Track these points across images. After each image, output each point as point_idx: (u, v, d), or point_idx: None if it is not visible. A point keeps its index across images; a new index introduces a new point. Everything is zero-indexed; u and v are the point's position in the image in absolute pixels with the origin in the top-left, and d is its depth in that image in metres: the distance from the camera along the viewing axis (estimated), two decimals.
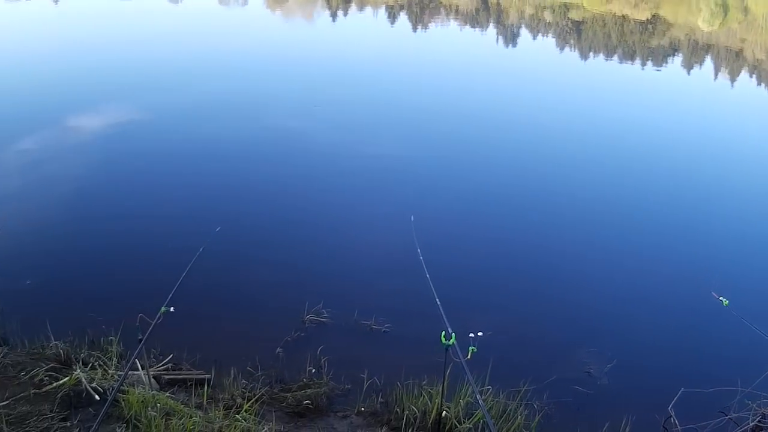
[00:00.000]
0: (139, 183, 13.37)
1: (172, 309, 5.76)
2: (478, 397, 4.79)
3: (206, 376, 7.50)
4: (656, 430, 7.08)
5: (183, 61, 24.32)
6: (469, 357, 4.86)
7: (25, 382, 6.29)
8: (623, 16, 37.62)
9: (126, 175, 13.65)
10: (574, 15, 39.79)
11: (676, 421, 6.93)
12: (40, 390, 6.17)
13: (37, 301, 9.03)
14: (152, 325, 5.56)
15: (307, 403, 7.03)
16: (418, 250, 7.05)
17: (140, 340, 5.48)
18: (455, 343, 5.00)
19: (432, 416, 6.48)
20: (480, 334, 5.02)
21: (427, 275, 6.25)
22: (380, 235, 11.08)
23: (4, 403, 5.82)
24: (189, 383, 7.25)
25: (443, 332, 5.06)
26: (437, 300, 5.71)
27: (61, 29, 29.79)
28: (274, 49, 27.43)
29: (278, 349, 8.30)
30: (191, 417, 5.81)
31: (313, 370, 7.82)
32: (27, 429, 5.46)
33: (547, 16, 40.69)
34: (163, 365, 7.63)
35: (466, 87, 21.55)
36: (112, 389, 5.43)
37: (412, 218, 8.26)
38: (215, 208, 11.94)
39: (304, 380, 7.59)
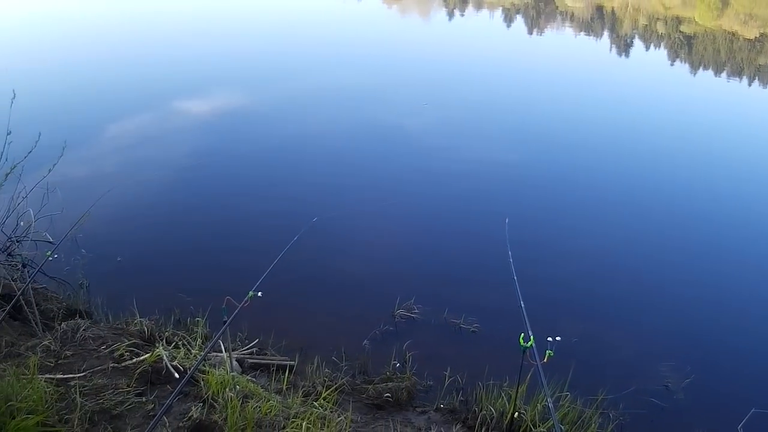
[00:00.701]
0: (241, 171, 13.46)
1: (260, 294, 5.62)
2: (549, 401, 4.53)
3: (290, 362, 7.37)
4: None
5: (295, 54, 24.63)
6: (545, 361, 4.64)
7: (104, 356, 6.18)
8: (732, 32, 36.66)
9: (229, 162, 13.79)
10: (685, 28, 38.94)
11: None
12: (119, 364, 6.05)
13: (126, 279, 9.13)
14: (238, 308, 5.44)
15: (388, 396, 6.84)
16: (509, 253, 6.79)
17: (225, 322, 5.34)
18: (534, 346, 4.78)
19: (507, 418, 6.19)
20: (558, 339, 4.79)
21: (515, 278, 5.99)
22: (475, 236, 10.87)
23: (81, 374, 5.72)
24: (272, 368, 7.16)
25: (522, 334, 4.84)
26: (521, 303, 5.47)
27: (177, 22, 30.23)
28: (388, 45, 27.44)
29: (365, 342, 8.16)
30: (268, 400, 5.61)
31: (398, 365, 7.64)
32: (101, 401, 5.33)
33: (660, 27, 39.92)
34: (247, 349, 7.55)
35: (576, 94, 21.12)
36: (191, 369, 5.24)
37: (507, 221, 7.98)
38: (314, 200, 11.86)
39: (387, 373, 7.43)
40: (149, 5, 35.45)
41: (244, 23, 30.35)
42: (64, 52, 23.68)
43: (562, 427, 6.15)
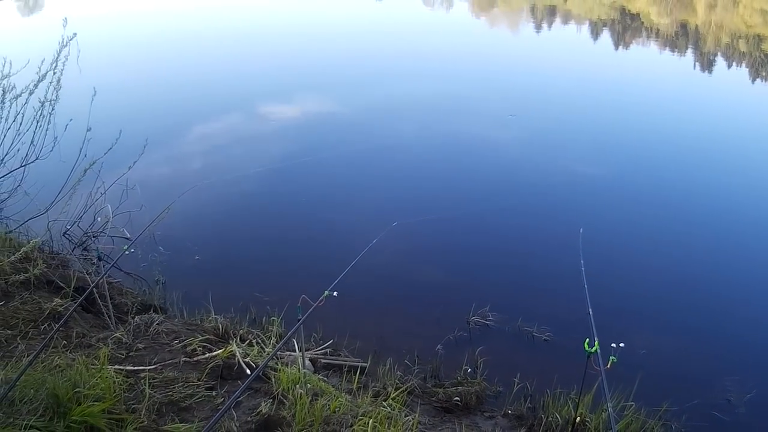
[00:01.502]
0: (324, 175, 13.41)
1: (335, 293, 5.52)
2: (609, 406, 4.43)
3: (361, 364, 7.31)
4: None
5: (385, 63, 24.60)
6: (608, 367, 4.53)
7: (176, 350, 6.19)
8: None
9: (311, 166, 13.75)
10: (766, 47, 38.28)
11: None
12: (191, 359, 6.05)
13: (203, 277, 9.16)
14: (313, 307, 5.36)
15: (456, 400, 6.77)
16: (582, 262, 6.65)
17: (299, 320, 5.32)
18: (598, 351, 4.68)
19: (575, 426, 6.07)
20: (622, 345, 4.70)
21: (585, 285, 5.86)
22: (552, 246, 10.66)
23: (151, 366, 5.72)
24: (344, 369, 7.12)
25: (587, 339, 4.77)
26: (590, 310, 5.35)
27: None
28: (477, 56, 27.28)
29: (438, 346, 8.04)
30: (337, 398, 5.54)
31: (469, 370, 7.54)
32: (170, 393, 5.31)
33: (741, 45, 39.26)
34: (321, 349, 7.50)
35: (661, 109, 20.75)
36: (262, 363, 5.18)
37: (581, 230, 7.83)
38: (394, 205, 11.81)
39: (458, 378, 7.35)
40: (239, 12, 35.83)
41: (337, 30, 30.54)
42: (152, 52, 24.20)
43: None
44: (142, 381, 5.32)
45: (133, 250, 7.12)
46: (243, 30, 29.75)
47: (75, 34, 8.63)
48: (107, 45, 24.05)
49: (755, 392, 7.43)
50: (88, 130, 8.51)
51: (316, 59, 24.37)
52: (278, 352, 6.66)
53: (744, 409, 7.31)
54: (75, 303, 6.10)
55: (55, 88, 8.64)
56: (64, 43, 8.64)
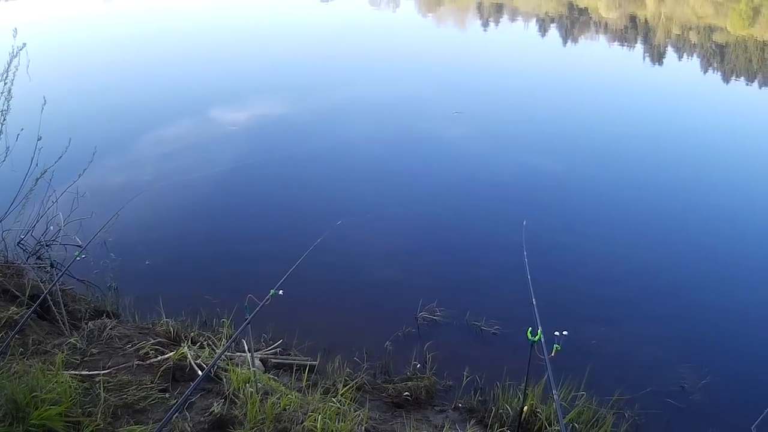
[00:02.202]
0: (267, 176, 13.62)
1: (281, 292, 5.65)
2: (554, 393, 4.54)
3: (311, 362, 7.46)
4: None
5: (329, 65, 24.77)
6: (553, 355, 4.65)
7: (129, 354, 6.35)
8: (764, 41, 36.38)
9: (254, 167, 13.92)
10: (717, 37, 38.65)
11: None
12: (144, 362, 6.21)
13: (154, 281, 9.29)
14: (259, 306, 5.53)
15: (407, 395, 6.92)
16: (525, 254, 6.86)
17: (246, 320, 5.42)
18: (542, 340, 4.79)
19: (523, 415, 6.26)
20: (565, 333, 4.73)
21: (528, 276, 6.04)
22: (499, 241, 10.83)
23: (106, 371, 5.87)
24: (294, 368, 7.27)
25: (530, 328, 4.88)
26: (533, 300, 5.52)
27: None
28: (423, 55, 27.45)
29: (387, 343, 8.21)
30: (287, 396, 5.73)
31: (418, 365, 7.69)
32: (124, 396, 5.48)
33: (692, 36, 39.73)
34: (271, 349, 7.65)
35: (606, 103, 21.08)
36: (211, 363, 5.38)
37: (524, 223, 8.05)
38: (338, 204, 11.96)
39: (408, 374, 7.52)
40: (186, 18, 35.71)
41: (278, 34, 30.52)
42: (95, 59, 24.05)
43: (565, 422, 6.30)
44: (97, 385, 5.48)
45: (84, 257, 7.23)
46: (190, 36, 29.67)
47: (24, 44, 8.72)
48: (56, 52, 23.98)
49: (710, 378, 7.65)
50: (39, 139, 8.62)
51: (262, 63, 24.53)
52: (230, 353, 6.87)
53: (699, 396, 7.53)
54: (29, 310, 6.24)
55: (6, 99, 8.72)
56: (15, 54, 8.72)
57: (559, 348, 4.64)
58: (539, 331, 4.79)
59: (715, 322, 9.12)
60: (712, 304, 9.49)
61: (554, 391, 4.52)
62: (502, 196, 12.82)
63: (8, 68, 8.71)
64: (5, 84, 8.69)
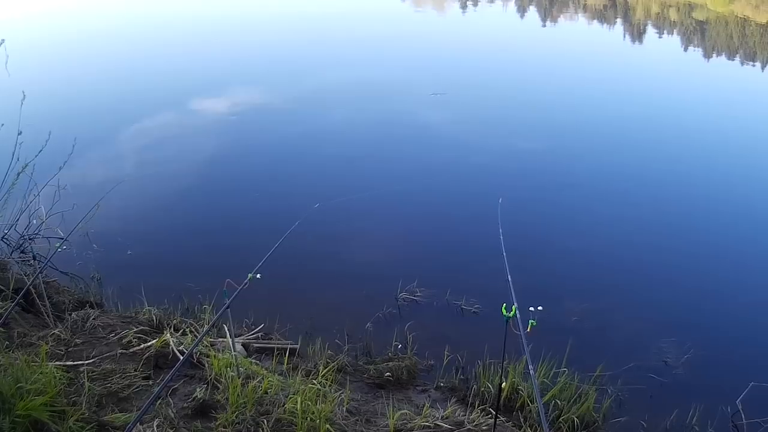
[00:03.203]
0: (244, 162, 13.84)
1: (258, 276, 5.74)
2: (530, 368, 4.62)
3: (292, 345, 7.58)
4: (724, 422, 6.86)
5: (305, 50, 24.90)
6: (528, 330, 4.66)
7: (113, 343, 6.46)
8: (744, 17, 36.47)
9: (232, 153, 14.13)
10: (697, 15, 38.74)
11: (743, 415, 6.74)
12: (127, 350, 6.31)
13: (136, 271, 9.35)
14: (238, 290, 5.60)
15: (388, 376, 7.04)
16: (500, 231, 6.93)
17: (226, 305, 5.49)
18: (517, 315, 4.80)
19: (504, 393, 6.38)
20: (540, 308, 4.81)
21: (504, 253, 6.11)
22: (476, 219, 10.95)
23: (90, 361, 5.98)
24: (276, 352, 7.36)
25: (504, 304, 4.87)
26: (509, 276, 5.53)
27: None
28: (402, 39, 27.49)
29: (368, 324, 8.36)
30: (268, 379, 5.85)
31: (399, 345, 7.83)
32: (108, 385, 5.59)
33: (672, 14, 39.78)
34: (253, 334, 7.76)
35: (583, 82, 21.21)
36: (191, 347, 5.49)
37: (500, 201, 8.13)
38: (316, 187, 12.04)
39: (389, 354, 7.65)
40: (165, 7, 35.58)
41: (253, 22, 30.48)
42: (73, 52, 24.04)
43: (541, 397, 6.33)
44: (82, 375, 5.59)
45: (66, 248, 7.35)
46: (166, 26, 29.62)
47: (3, 39, 8.75)
48: (34, 47, 23.88)
49: (692, 352, 7.79)
50: (19, 133, 8.67)
51: (240, 51, 24.68)
52: (212, 340, 6.97)
53: (682, 370, 7.67)
54: (13, 303, 6.34)
55: None
56: None
57: (534, 323, 4.65)
58: (514, 306, 4.82)
59: (696, 296, 9.28)
60: (694, 279, 9.68)
61: (530, 367, 4.61)
62: (480, 176, 12.99)
63: None
64: None
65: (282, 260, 6.45)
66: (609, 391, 7.09)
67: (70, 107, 16.94)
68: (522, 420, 6.41)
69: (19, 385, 4.82)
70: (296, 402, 5.40)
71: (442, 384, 7.18)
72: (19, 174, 8.77)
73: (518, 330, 4.70)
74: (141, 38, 26.58)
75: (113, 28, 28.35)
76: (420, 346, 7.78)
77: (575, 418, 6.46)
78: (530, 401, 6.48)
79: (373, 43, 26.14)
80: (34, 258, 7.23)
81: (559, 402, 6.56)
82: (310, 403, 5.45)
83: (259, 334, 7.79)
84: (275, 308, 8.19)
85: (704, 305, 9.13)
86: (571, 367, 6.95)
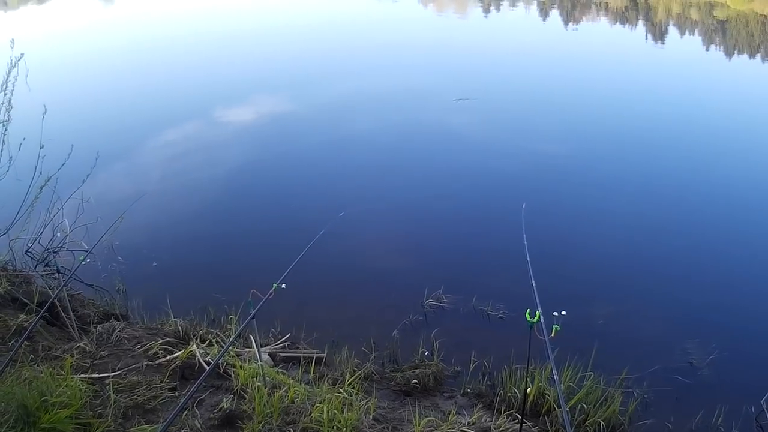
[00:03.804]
0: (269, 172, 13.79)
1: (284, 285, 5.68)
2: (554, 373, 4.55)
3: (319, 354, 7.55)
4: (749, 422, 6.79)
5: (331, 58, 24.92)
6: (553, 335, 4.61)
7: (138, 355, 6.42)
8: (765, 15, 36.27)
9: (257, 164, 14.08)
10: (718, 13, 38.55)
11: (767, 414, 6.65)
12: (153, 362, 6.28)
13: (162, 282, 9.35)
14: (263, 300, 5.55)
15: (415, 383, 7.01)
16: (524, 236, 6.87)
17: (251, 315, 5.46)
18: (541, 321, 4.74)
19: (531, 398, 6.38)
20: (564, 312, 4.69)
21: (528, 258, 6.03)
22: (500, 224, 10.96)
23: (116, 373, 5.94)
24: (303, 361, 7.28)
25: (528, 310, 4.82)
26: (533, 282, 5.46)
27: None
28: (424, 44, 27.43)
29: (395, 332, 8.30)
30: (294, 388, 5.80)
31: (426, 352, 7.79)
32: (134, 397, 5.56)
33: (693, 14, 39.61)
34: (280, 344, 7.73)
35: (608, 84, 21.10)
36: (217, 357, 5.45)
37: (524, 205, 8.06)
38: (340, 195, 12.06)
39: (416, 361, 7.60)
40: (184, 19, 35.79)
41: (276, 32, 30.50)
42: (95, 66, 24.09)
43: (565, 403, 6.31)
44: (107, 387, 5.57)
45: (90, 261, 7.33)
46: (185, 39, 29.56)
47: (23, 54, 8.78)
48: (54, 61, 23.96)
49: (717, 353, 7.70)
50: (41, 147, 8.69)
51: (262, 60, 24.65)
52: (238, 350, 6.94)
53: (707, 371, 7.59)
54: (37, 316, 6.32)
55: (6, 109, 8.80)
56: (13, 65, 8.79)
57: (558, 328, 4.61)
58: (538, 312, 4.76)
59: (720, 297, 9.16)
60: (717, 280, 9.57)
61: (554, 372, 4.54)
62: (504, 181, 12.92)
63: (7, 79, 8.78)
64: (5, 94, 8.76)
65: (307, 269, 6.42)
66: (635, 393, 7.03)
67: (91, 120, 16.98)
68: (548, 425, 6.39)
69: (44, 398, 4.78)
70: (322, 411, 5.35)
71: (468, 390, 7.15)
72: (42, 188, 8.79)
73: (542, 335, 4.67)
74: (163, 50, 26.65)
75: (134, 41, 28.42)
76: (446, 353, 7.74)
77: (601, 422, 6.41)
78: (556, 406, 6.42)
79: (396, 50, 26.04)
80: (59, 271, 7.22)
81: (585, 405, 6.50)
82: (336, 411, 5.38)
83: (286, 344, 7.76)
84: (301, 317, 8.17)
85: (728, 306, 9.02)
86: (597, 370, 6.89)
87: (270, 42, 27.95)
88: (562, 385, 6.46)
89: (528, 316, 4.75)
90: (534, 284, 5.41)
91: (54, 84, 19.88)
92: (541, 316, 4.72)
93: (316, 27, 31.55)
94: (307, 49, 26.15)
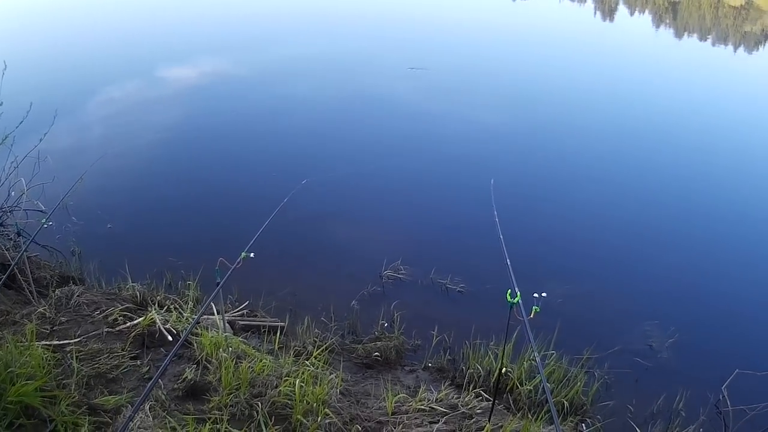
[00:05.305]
0: (230, 135, 13.66)
1: (252, 255, 5.70)
2: (536, 356, 4.65)
3: (280, 323, 7.52)
4: (709, 408, 6.85)
5: (291, 24, 24.87)
6: (531, 316, 4.65)
7: (98, 321, 6.32)
8: None
9: (218, 127, 13.94)
10: None
11: (728, 402, 6.73)
12: (113, 329, 6.18)
13: (117, 245, 9.24)
14: (231, 269, 5.55)
15: (377, 356, 7.04)
16: (495, 213, 6.87)
17: (218, 284, 5.44)
18: (520, 302, 4.76)
19: (495, 374, 6.36)
20: (544, 294, 4.74)
21: (501, 236, 6.02)
22: (461, 198, 11.08)
23: (76, 339, 5.86)
24: (263, 330, 7.31)
25: (509, 290, 4.83)
26: (507, 260, 5.49)
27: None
28: (374, 12, 27.26)
29: (353, 302, 8.31)
30: (261, 360, 5.76)
31: (386, 324, 7.81)
32: (96, 365, 5.47)
33: None
34: (238, 311, 7.67)
35: (560, 59, 21.17)
36: (186, 331, 5.38)
37: (492, 181, 8.06)
38: (304, 163, 12.03)
39: (376, 333, 7.63)
40: None
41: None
42: (54, 23, 23.56)
43: (549, 386, 6.21)
44: (69, 355, 5.47)
45: (51, 224, 7.18)
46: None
47: None
48: (12, 16, 23.47)
49: (677, 337, 7.83)
50: (0, 104, 8.48)
51: (220, 22, 24.42)
52: (195, 317, 6.86)
53: (666, 354, 7.71)
54: None
55: None
56: None
57: (538, 309, 4.65)
58: (518, 293, 4.77)
59: (680, 281, 9.31)
60: (678, 264, 9.69)
61: (536, 354, 4.64)
62: (465, 154, 12.90)
63: None
64: None
65: (266, 236, 6.32)
66: (596, 374, 7.10)
67: (48, 78, 16.62)
68: (511, 402, 6.42)
69: (9, 369, 4.68)
70: (291, 384, 5.34)
71: (430, 364, 7.16)
72: None
73: (521, 316, 4.68)
74: (127, 5, 26.06)
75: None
76: (407, 326, 7.75)
77: (564, 401, 6.47)
78: (519, 384, 6.47)
79: (352, 19, 25.83)
80: (19, 234, 7.04)
81: (549, 385, 6.47)
82: (304, 385, 5.34)
83: (245, 311, 7.70)
84: (260, 285, 8.12)
85: (687, 290, 9.16)
86: (559, 349, 6.94)
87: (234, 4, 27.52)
88: (524, 364, 6.53)
89: (509, 297, 4.74)
90: (509, 263, 5.41)
91: (12, 39, 19.48)
92: (520, 299, 4.74)
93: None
94: (263, 11, 25.85)
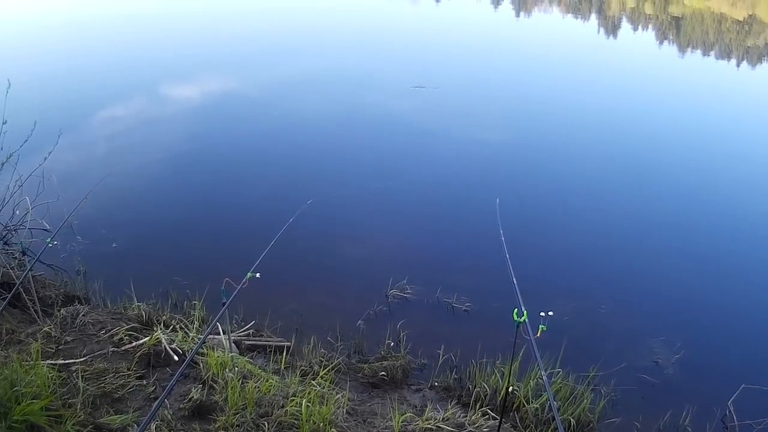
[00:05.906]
0: (236, 155, 13.67)
1: (258, 275, 5.63)
2: (543, 374, 4.63)
3: (286, 343, 7.48)
4: (715, 423, 6.85)
5: (288, 43, 24.74)
6: (538, 335, 4.61)
7: (104, 340, 6.29)
8: (721, 13, 36.63)
9: (223, 147, 13.98)
10: (673, 10, 38.87)
11: (734, 417, 6.73)
12: (119, 348, 6.15)
13: (123, 264, 9.21)
14: (237, 290, 5.47)
15: (383, 375, 7.00)
16: (501, 232, 6.85)
17: (224, 304, 5.37)
18: (527, 321, 4.74)
19: (502, 393, 6.33)
20: (551, 313, 4.72)
21: (506, 255, 6.00)
22: (467, 217, 11.00)
23: (82, 359, 5.83)
24: (269, 350, 7.23)
25: (515, 309, 4.81)
26: (513, 279, 5.44)
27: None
28: (378, 30, 27.37)
29: (359, 322, 8.29)
30: (267, 380, 5.73)
31: (392, 344, 7.79)
32: (102, 384, 5.44)
33: (648, 8, 39.88)
34: (244, 331, 7.65)
35: (565, 76, 21.21)
36: (192, 351, 5.35)
37: (498, 201, 8.03)
38: (309, 183, 12.00)
39: (382, 353, 7.58)
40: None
41: (235, 14, 30.24)
42: (59, 43, 23.66)
43: (556, 404, 6.20)
44: (74, 374, 5.44)
45: (56, 243, 7.16)
46: (149, 17, 29.19)
47: None
48: (19, 37, 23.55)
49: (683, 353, 7.78)
50: (4, 123, 8.46)
51: (221, 43, 24.45)
52: (202, 336, 6.83)
53: (672, 370, 7.65)
54: (3, 300, 6.17)
55: None
56: None
57: (544, 328, 4.61)
58: (525, 312, 4.74)
59: (686, 297, 9.24)
60: (683, 280, 9.63)
61: (543, 373, 4.61)
62: (471, 173, 12.92)
63: None
64: None
65: (272, 256, 6.29)
66: (603, 391, 7.04)
67: (54, 97, 16.66)
68: (518, 420, 6.40)
69: (14, 388, 4.65)
70: (297, 404, 5.31)
71: (436, 383, 7.12)
72: (2, 164, 8.56)
73: (528, 334, 4.63)
74: (134, 27, 26.54)
75: (101, 18, 28.11)
76: (413, 345, 7.73)
77: (571, 419, 6.44)
78: (526, 402, 6.44)
79: (351, 36, 26.09)
80: (24, 253, 7.03)
81: (556, 403, 6.46)
82: (310, 405, 5.31)
83: (250, 331, 7.68)
84: (265, 305, 8.11)
85: (692, 306, 9.11)
86: (565, 367, 6.93)
87: (233, 25, 27.71)
88: (531, 382, 6.49)
89: (515, 316, 4.73)
90: (515, 282, 5.37)
91: (18, 59, 19.60)
92: (527, 318, 4.72)
93: (265, 10, 31.23)
94: (265, 32, 26.06)
